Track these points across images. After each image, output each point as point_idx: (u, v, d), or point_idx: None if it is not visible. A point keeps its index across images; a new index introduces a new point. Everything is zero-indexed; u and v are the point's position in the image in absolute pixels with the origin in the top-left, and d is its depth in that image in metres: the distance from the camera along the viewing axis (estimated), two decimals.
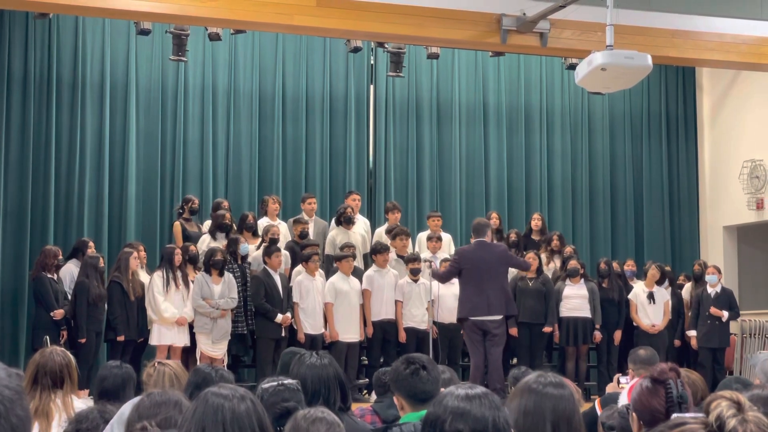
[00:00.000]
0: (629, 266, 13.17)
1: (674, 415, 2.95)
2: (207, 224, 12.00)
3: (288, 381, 3.78)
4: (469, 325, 9.87)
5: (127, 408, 3.56)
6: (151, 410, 3.34)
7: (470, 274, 9.84)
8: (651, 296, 12.37)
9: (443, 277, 10.41)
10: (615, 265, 12.83)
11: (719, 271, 12.80)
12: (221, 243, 11.42)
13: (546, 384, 3.12)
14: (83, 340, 10.56)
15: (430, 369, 3.99)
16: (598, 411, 5.30)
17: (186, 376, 4.84)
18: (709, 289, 12.60)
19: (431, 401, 3.79)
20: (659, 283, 12.50)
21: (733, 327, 13.94)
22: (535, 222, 13.32)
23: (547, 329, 11.88)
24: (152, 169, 13.26)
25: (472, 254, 9.93)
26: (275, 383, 3.73)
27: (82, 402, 5.22)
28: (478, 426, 2.59)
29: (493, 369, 9.73)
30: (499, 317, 9.88)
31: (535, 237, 13.18)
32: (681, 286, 13.30)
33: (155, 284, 10.71)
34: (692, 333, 12.61)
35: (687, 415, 2.97)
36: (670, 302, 12.60)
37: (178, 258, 10.82)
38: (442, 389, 3.33)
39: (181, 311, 10.71)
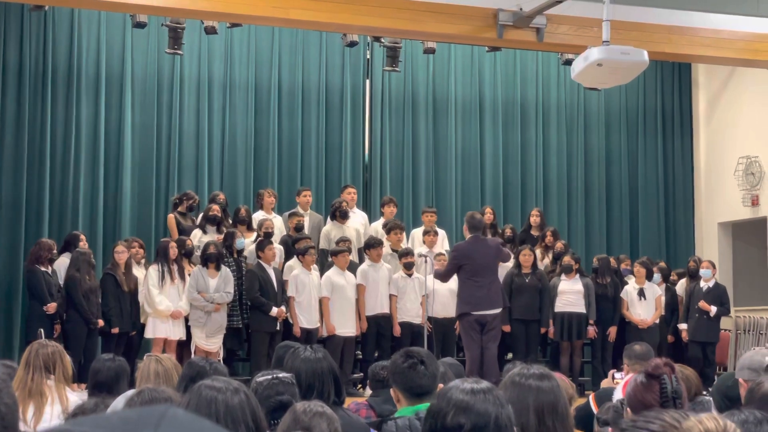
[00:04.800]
0: (625, 265, 13.17)
1: None
2: (200, 218, 11.98)
3: (282, 375, 3.77)
4: (469, 320, 9.88)
5: (119, 401, 3.55)
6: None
7: (469, 270, 9.88)
8: (641, 292, 12.37)
9: (444, 275, 10.39)
10: (612, 261, 12.83)
11: (713, 266, 12.81)
12: (212, 236, 11.42)
13: (528, 376, 3.12)
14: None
15: (428, 364, 3.99)
16: (593, 406, 5.30)
17: (177, 371, 4.83)
18: (702, 284, 12.60)
19: (428, 396, 3.80)
20: (649, 278, 12.51)
21: (728, 323, 13.95)
22: (534, 218, 13.30)
23: (544, 329, 11.89)
24: (147, 161, 13.25)
25: (469, 250, 9.96)
26: (270, 376, 3.73)
27: (76, 395, 5.22)
28: (480, 421, 2.57)
29: (489, 364, 9.76)
30: (498, 310, 9.98)
31: (534, 232, 13.16)
32: (674, 282, 13.30)
33: (151, 277, 10.70)
34: (683, 326, 12.63)
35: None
36: (663, 298, 12.61)
37: (173, 251, 10.80)
38: (441, 384, 3.33)
39: (176, 305, 10.70)
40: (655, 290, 12.51)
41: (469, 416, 2.56)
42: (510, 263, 11.41)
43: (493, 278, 10.00)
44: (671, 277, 13.31)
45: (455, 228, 14.12)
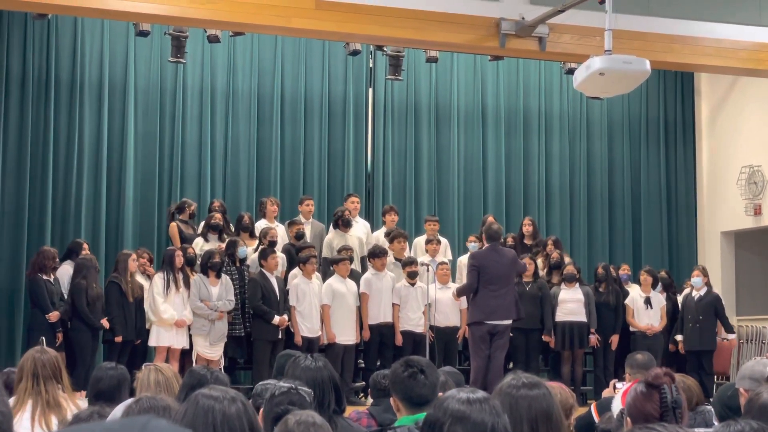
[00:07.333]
0: (624, 270, 13.13)
1: None
2: (202, 226, 11.98)
3: (304, 389, 3.71)
4: (480, 329, 9.90)
5: (119, 410, 3.54)
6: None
7: (484, 279, 9.92)
8: (648, 301, 12.34)
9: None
10: (612, 269, 12.81)
11: (705, 274, 12.67)
12: (214, 244, 11.41)
13: (519, 387, 3.12)
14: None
15: (428, 373, 3.98)
16: (594, 416, 5.29)
17: (177, 380, 4.82)
18: (693, 293, 12.51)
19: (427, 405, 3.79)
20: (654, 287, 12.48)
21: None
22: (526, 227, 13.27)
23: (546, 338, 11.87)
24: (150, 170, 13.25)
25: (487, 258, 9.99)
26: (291, 385, 3.68)
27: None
28: (477, 431, 2.57)
29: (495, 374, 9.76)
30: (510, 321, 10.02)
31: (526, 242, 13.14)
32: (676, 292, 13.27)
33: (156, 285, 10.69)
34: (679, 337, 12.53)
35: None
36: (665, 306, 12.57)
37: (179, 260, 10.78)
38: (440, 393, 3.31)
39: (181, 313, 10.68)
40: (660, 299, 12.49)
41: (465, 426, 2.56)
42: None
43: (508, 288, 10.03)
44: (684, 285, 13.31)
45: (457, 236, 14.12)
